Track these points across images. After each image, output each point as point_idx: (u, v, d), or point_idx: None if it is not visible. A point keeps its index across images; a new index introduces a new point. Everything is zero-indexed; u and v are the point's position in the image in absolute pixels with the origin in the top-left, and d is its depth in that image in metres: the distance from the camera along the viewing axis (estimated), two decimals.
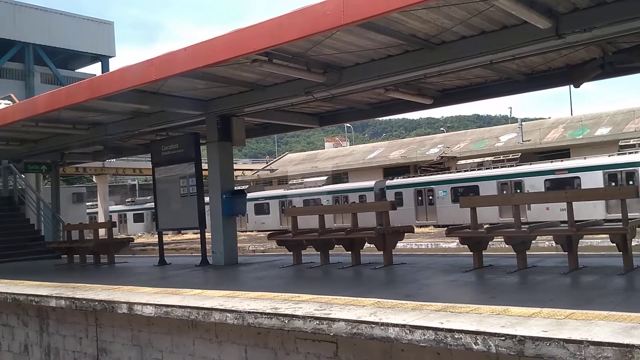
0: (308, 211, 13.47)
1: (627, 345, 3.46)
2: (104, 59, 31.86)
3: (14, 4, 27.71)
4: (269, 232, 10.08)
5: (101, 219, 49.05)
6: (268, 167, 56.11)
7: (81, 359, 7.82)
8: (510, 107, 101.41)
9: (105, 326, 7.45)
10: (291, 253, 9.02)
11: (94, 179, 54.40)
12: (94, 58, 32.10)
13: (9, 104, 17.30)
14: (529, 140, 37.64)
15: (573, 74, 7.45)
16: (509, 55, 6.88)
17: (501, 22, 6.26)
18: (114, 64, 34.42)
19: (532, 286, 5.99)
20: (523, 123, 39.96)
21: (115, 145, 13.25)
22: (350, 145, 63.36)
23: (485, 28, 6.49)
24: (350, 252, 8.41)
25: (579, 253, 6.51)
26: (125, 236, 38.46)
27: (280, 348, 5.63)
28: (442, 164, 40.19)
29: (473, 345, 4.05)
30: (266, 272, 8.78)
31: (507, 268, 6.83)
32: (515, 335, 3.87)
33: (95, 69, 32.27)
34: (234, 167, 56.92)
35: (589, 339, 3.61)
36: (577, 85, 7.48)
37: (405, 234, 8.51)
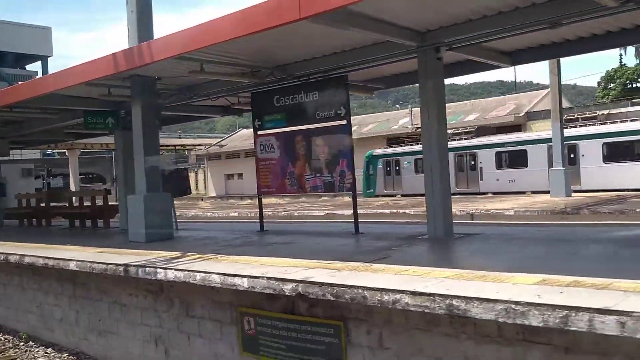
0: None
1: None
2: (43, 59, 38.32)
3: None
4: None
5: (72, 188, 55.35)
6: (218, 143, 62.35)
7: None
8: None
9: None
10: None
11: (67, 153, 60.54)
12: (35, 58, 38.51)
13: None
14: (417, 124, 44.03)
15: None
16: None
17: None
18: (52, 63, 40.50)
19: None
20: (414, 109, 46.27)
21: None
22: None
23: None
24: None
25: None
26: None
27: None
28: None
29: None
30: None
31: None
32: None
33: (37, 66, 38.75)
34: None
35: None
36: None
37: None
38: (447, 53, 8.00)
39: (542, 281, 4.52)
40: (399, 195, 29.46)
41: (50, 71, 38.54)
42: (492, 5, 6.67)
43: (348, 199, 32.00)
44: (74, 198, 15.29)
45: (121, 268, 7.27)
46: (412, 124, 43.97)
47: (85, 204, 14.37)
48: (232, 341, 6.40)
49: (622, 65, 55.71)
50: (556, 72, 19.85)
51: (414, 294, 4.52)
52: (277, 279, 5.50)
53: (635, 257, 6.01)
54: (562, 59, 19.02)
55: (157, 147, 9.83)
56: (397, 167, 32.25)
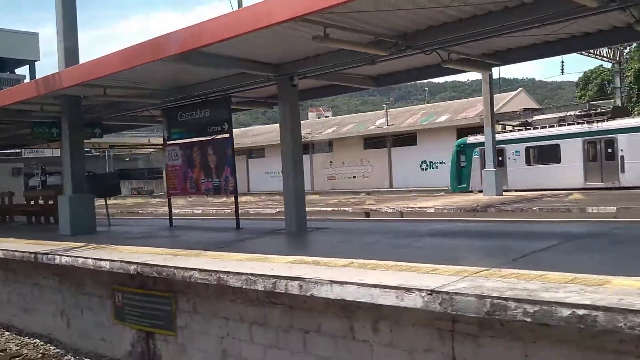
0: None
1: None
2: (31, 63, 40.17)
3: None
4: None
5: None
6: None
7: None
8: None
9: None
10: None
11: (60, 152, 62.29)
12: (23, 62, 40.36)
13: None
14: (393, 125, 45.70)
15: None
16: None
17: None
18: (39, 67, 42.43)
19: None
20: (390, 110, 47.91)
21: None
22: (332, 115, 63.77)
23: None
24: None
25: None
26: None
27: None
28: None
29: None
30: None
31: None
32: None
33: (24, 70, 40.61)
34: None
35: None
36: None
37: None
38: (315, 79, 9.77)
39: (293, 261, 6.24)
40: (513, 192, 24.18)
41: (38, 74, 40.47)
42: (321, 49, 8.36)
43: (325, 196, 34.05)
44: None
45: (32, 255, 9.02)
46: (387, 124, 45.70)
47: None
48: (108, 312, 8.16)
49: (599, 67, 57.07)
50: (487, 80, 21.51)
51: (201, 270, 6.25)
52: (126, 262, 7.24)
53: (396, 245, 7.54)
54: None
55: (82, 155, 11.58)
56: (500, 158, 25.57)
